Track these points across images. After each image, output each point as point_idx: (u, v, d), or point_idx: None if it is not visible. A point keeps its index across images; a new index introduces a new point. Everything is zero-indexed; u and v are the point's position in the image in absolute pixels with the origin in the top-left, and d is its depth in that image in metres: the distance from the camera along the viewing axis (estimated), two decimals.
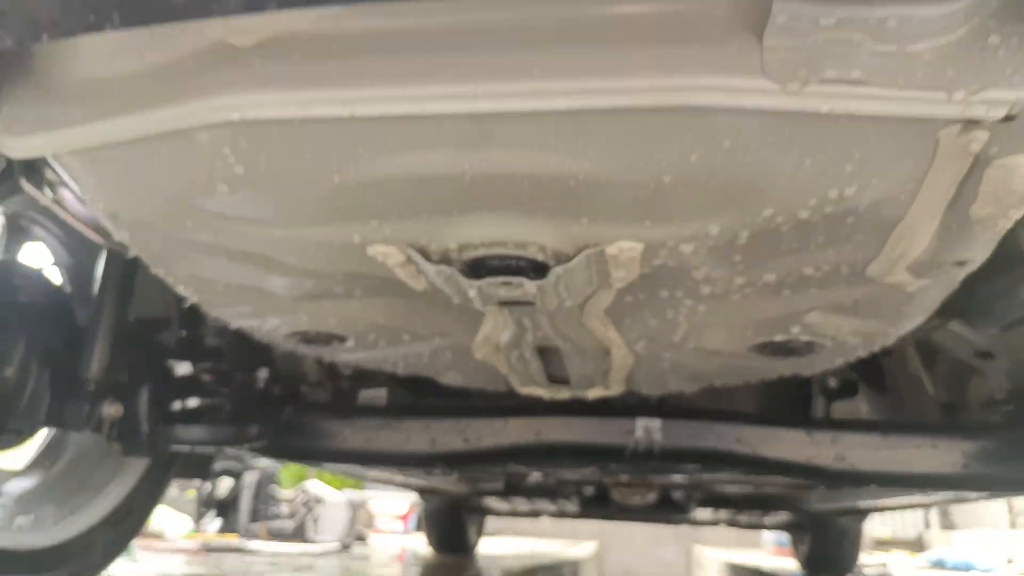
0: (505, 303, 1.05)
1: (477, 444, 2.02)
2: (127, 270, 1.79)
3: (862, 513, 4.46)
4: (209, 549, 4.89)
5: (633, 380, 1.71)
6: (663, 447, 1.93)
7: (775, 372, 1.52)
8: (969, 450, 1.82)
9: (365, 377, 2.38)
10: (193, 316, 1.94)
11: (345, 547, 6.31)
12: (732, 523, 6.79)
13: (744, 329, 1.19)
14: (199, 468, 2.57)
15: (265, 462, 8.37)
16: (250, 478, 7.32)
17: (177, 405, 1.83)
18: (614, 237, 0.84)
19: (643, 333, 1.29)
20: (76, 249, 2.01)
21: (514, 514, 6.92)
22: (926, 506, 3.66)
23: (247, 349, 2.00)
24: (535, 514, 7.05)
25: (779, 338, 1.21)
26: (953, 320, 1.73)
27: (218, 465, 7.46)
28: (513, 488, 4.96)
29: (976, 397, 2.25)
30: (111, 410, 1.69)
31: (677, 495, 4.93)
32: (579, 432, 1.97)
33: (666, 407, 2.00)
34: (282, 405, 2.09)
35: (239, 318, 1.35)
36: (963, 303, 1.52)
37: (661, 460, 1.99)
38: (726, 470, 2.04)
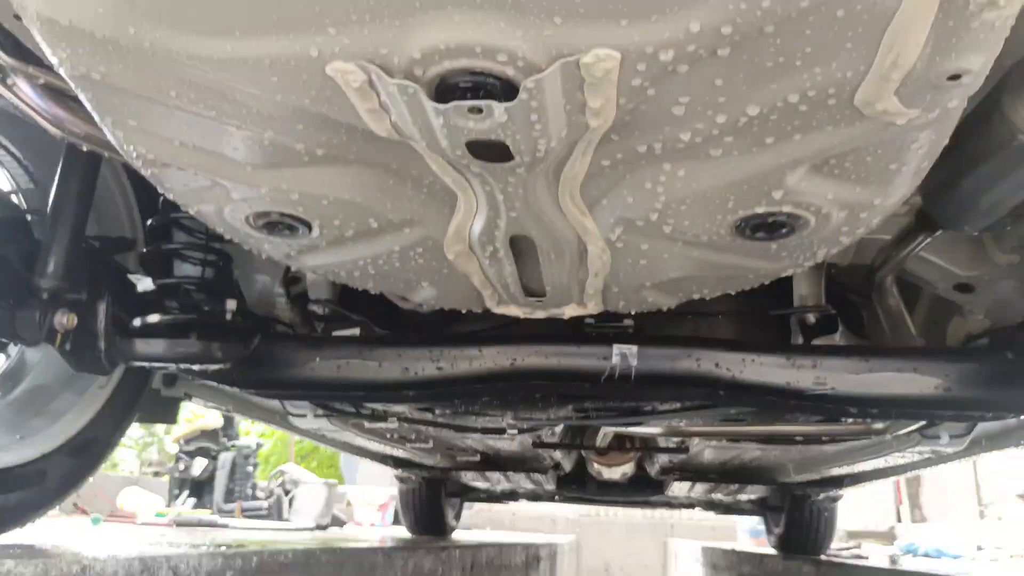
0: (474, 150, 0.99)
1: (451, 371, 1.97)
2: (85, 180, 1.71)
3: (836, 485, 4.45)
4: (179, 524, 4.78)
5: (609, 294, 1.66)
6: (640, 372, 1.88)
7: (757, 273, 1.48)
8: (951, 372, 1.79)
9: (338, 318, 2.32)
10: (158, 232, 1.87)
11: (321, 528, 6.22)
12: (708, 505, 6.78)
13: (725, 199, 1.15)
14: (165, 411, 2.49)
15: (241, 442, 8.31)
16: (225, 458, 7.20)
17: (138, 322, 1.76)
18: (589, 42, 0.78)
19: (620, 215, 1.25)
20: (33, 167, 1.93)
21: (491, 498, 6.86)
22: (903, 470, 3.65)
23: (215, 273, 1.94)
24: (512, 495, 7.00)
25: (761, 209, 1.17)
26: (936, 232, 1.70)
27: (193, 444, 7.37)
28: (491, 461, 4.90)
29: (955, 337, 2.23)
30: (64, 320, 1.61)
31: (654, 470, 4.90)
32: (555, 359, 1.93)
33: (643, 337, 1.96)
34: (250, 335, 2.02)
35: (198, 199, 1.29)
36: (946, 204, 1.50)
37: (638, 387, 1.95)
38: (703, 398, 2.00)
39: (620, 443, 4.27)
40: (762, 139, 1.00)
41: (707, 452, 4.04)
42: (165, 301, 1.82)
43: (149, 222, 1.85)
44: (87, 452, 1.97)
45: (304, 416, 3.06)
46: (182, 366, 1.84)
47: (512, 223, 1.30)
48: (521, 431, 3.14)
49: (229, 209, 1.29)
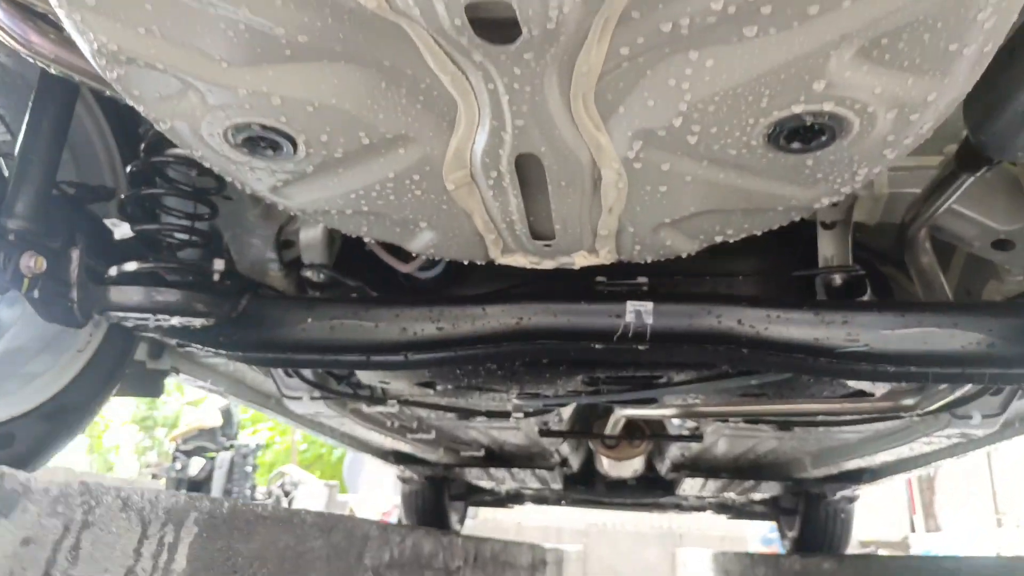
0: (476, 24, 0.87)
1: (452, 331, 1.83)
2: (58, 118, 1.59)
3: (855, 481, 4.28)
4: None
5: (624, 238, 1.53)
6: (656, 330, 1.75)
7: (787, 203, 1.34)
8: (995, 327, 1.65)
9: (333, 285, 2.19)
10: (139, 178, 1.75)
11: None
12: (720, 507, 6.59)
13: (759, 96, 1.02)
14: (150, 385, 2.36)
15: (240, 441, 8.15)
16: (223, 458, 7.06)
17: (114, 270, 1.63)
18: None
19: (638, 126, 1.12)
20: (10, 117, 1.82)
21: (496, 502, 6.70)
22: (927, 461, 3.48)
23: (200, 222, 1.82)
24: (518, 498, 6.83)
25: (799, 108, 1.03)
26: (977, 172, 1.57)
27: (191, 444, 7.21)
28: (495, 457, 4.75)
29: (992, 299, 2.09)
30: (31, 263, 1.49)
31: (664, 467, 4.74)
32: (564, 317, 1.79)
33: (659, 294, 1.82)
34: (238, 295, 1.89)
35: (171, 110, 1.16)
36: (998, 127, 1.36)
37: (653, 348, 1.82)
38: (724, 360, 1.85)
39: (630, 434, 4.12)
40: (804, 8, 0.87)
41: (720, 444, 3.89)
42: (145, 250, 1.69)
43: (129, 168, 1.73)
44: (61, 419, 1.83)
45: (299, 399, 2.94)
46: (163, 322, 1.71)
47: (518, 137, 1.17)
48: (527, 415, 3.00)
49: (206, 122, 1.17)
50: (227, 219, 2.11)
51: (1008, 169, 1.88)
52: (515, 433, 3.83)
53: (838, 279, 1.99)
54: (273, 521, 1.26)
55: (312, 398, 2.95)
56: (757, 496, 5.33)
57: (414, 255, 2.12)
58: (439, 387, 2.44)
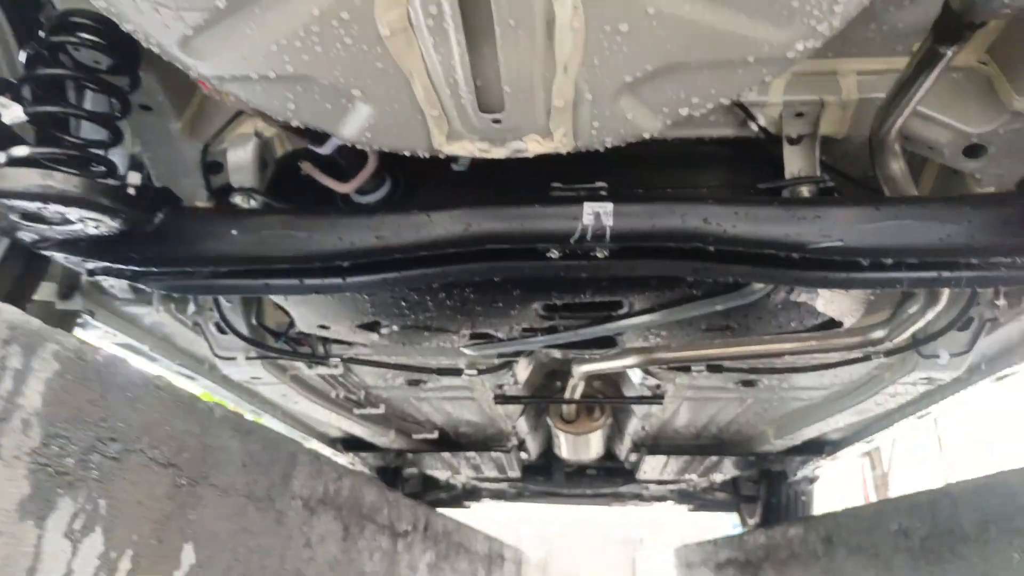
0: None
1: (394, 240, 1.66)
2: None
3: (817, 452, 4.20)
4: None
5: (581, 114, 1.39)
6: (617, 232, 1.61)
7: (759, 52, 1.22)
8: (975, 218, 1.55)
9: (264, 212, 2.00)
10: (36, 60, 1.55)
11: None
12: (681, 496, 6.49)
13: None
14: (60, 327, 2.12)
15: None
16: None
17: (1, 157, 1.43)
18: None
19: None
20: None
21: (452, 501, 6.47)
22: (891, 422, 3.41)
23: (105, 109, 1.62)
24: (475, 494, 6.62)
25: None
26: (952, 47, 1.47)
27: None
28: (450, 441, 4.55)
29: None
30: None
31: (624, 449, 4.60)
32: (517, 222, 1.64)
33: (619, 195, 1.69)
34: (155, 205, 1.70)
35: None
36: None
37: (613, 257, 1.68)
38: (690, 268, 1.72)
39: (589, 409, 3.97)
40: None
41: (682, 413, 3.77)
42: (42, 137, 1.49)
43: (24, 52, 1.53)
44: None
45: (234, 359, 2.72)
46: (65, 228, 1.51)
47: None
48: (480, 372, 2.83)
49: None
50: (146, 134, 1.91)
51: (980, 70, 1.81)
52: (470, 406, 3.65)
53: (806, 191, 1.88)
54: (170, 396, 1.06)
55: (248, 358, 2.73)
56: (719, 477, 5.23)
57: (352, 176, 1.95)
58: (384, 329, 2.25)
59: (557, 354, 3.08)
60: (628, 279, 1.91)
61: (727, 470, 4.92)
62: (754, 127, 1.89)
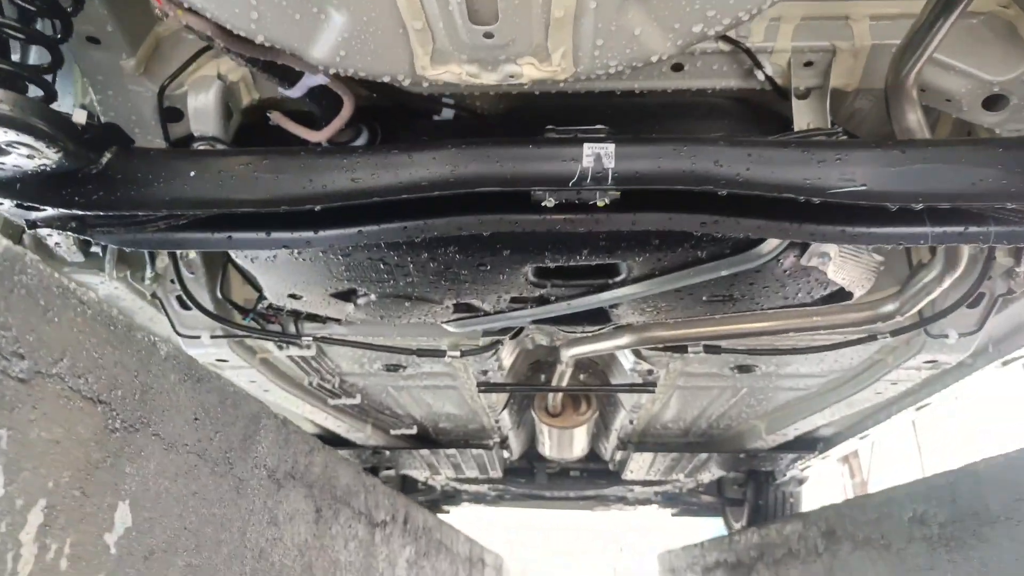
0: None
1: (370, 183, 1.49)
2: None
3: (810, 449, 4.07)
4: None
5: (582, 33, 1.24)
6: (619, 175, 1.45)
7: None
8: (1007, 161, 1.42)
9: None
10: None
11: None
12: (666, 499, 6.33)
13: None
14: None
15: None
16: None
17: None
18: None
19: None
20: None
21: (430, 503, 6.26)
22: (888, 414, 3.29)
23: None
24: (454, 497, 6.41)
25: None
26: None
27: None
28: (429, 438, 4.36)
29: None
30: None
31: (609, 448, 4.44)
32: (508, 163, 1.48)
33: (621, 136, 1.53)
34: (102, 143, 1.52)
35: None
36: None
37: (615, 205, 1.52)
38: (696, 222, 1.56)
39: (575, 402, 3.81)
40: None
41: (672, 405, 3.62)
42: None
43: None
44: None
45: (198, 338, 2.52)
46: None
47: None
48: (464, 353, 2.66)
49: None
50: (94, 72, 1.74)
51: (1001, 14, 1.69)
52: (452, 396, 3.47)
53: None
54: (99, 318, 0.88)
55: (213, 337, 2.54)
56: (707, 477, 5.08)
57: (326, 124, 1.78)
58: (360, 299, 2.08)
59: (544, 340, 2.92)
60: (628, 239, 1.75)
61: (715, 470, 4.77)
62: (760, 76, 1.76)
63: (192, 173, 1.51)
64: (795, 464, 4.44)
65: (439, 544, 3.39)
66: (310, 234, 1.63)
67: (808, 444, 4.07)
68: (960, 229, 1.55)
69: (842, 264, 1.92)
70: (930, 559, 1.95)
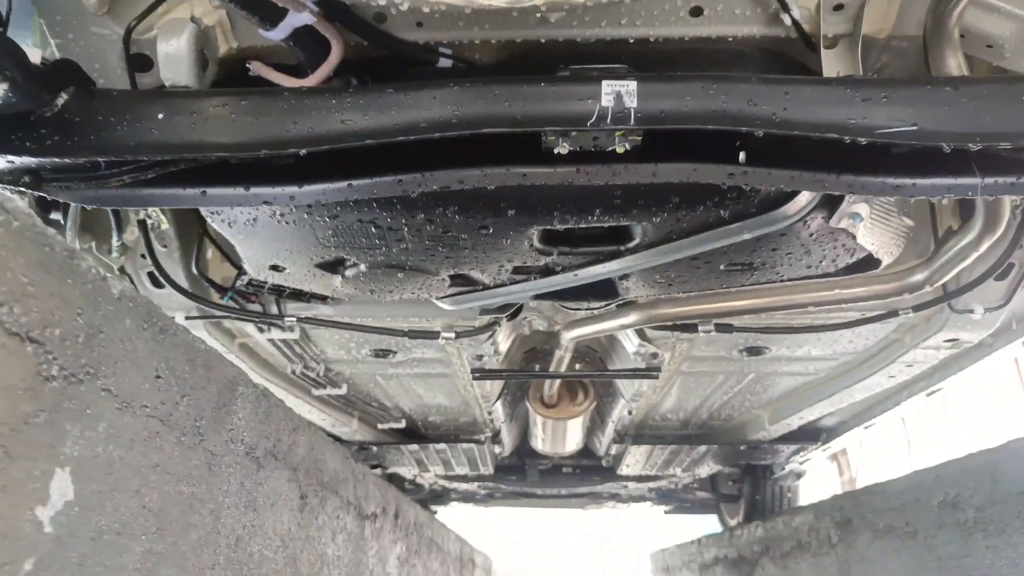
0: None
1: (360, 126, 1.33)
2: None
3: (813, 439, 3.94)
4: None
5: None
6: (642, 115, 1.30)
7: None
8: None
9: None
10: None
11: None
12: (661, 496, 6.19)
13: None
14: None
15: None
16: None
17: None
18: None
19: None
20: None
21: (418, 503, 6.08)
22: (898, 400, 3.16)
23: None
24: (443, 496, 6.23)
25: None
26: None
27: None
28: (418, 432, 4.19)
29: None
30: None
31: (605, 442, 4.30)
32: (518, 103, 1.32)
33: (643, 74, 1.38)
34: (58, 85, 1.34)
35: None
36: None
37: (635, 157, 1.37)
38: (724, 173, 1.41)
39: (572, 393, 3.65)
40: None
41: (673, 394, 3.47)
42: None
43: None
44: None
45: (171, 320, 2.34)
46: None
47: None
48: (459, 335, 2.49)
49: None
50: (53, 13, 1.56)
51: None
52: (444, 386, 3.30)
53: None
54: (25, 233, 0.71)
55: (188, 318, 2.36)
56: (704, 471, 4.94)
57: (311, 72, 1.62)
58: (348, 271, 1.91)
59: (542, 325, 2.76)
60: (645, 196, 1.60)
61: (712, 464, 4.63)
62: (787, 20, 1.61)
63: (160, 115, 1.34)
64: (795, 457, 4.31)
65: (431, 542, 3.22)
66: (294, 188, 1.46)
67: (811, 435, 3.94)
68: (1012, 179, 1.42)
69: (872, 227, 1.78)
70: (964, 546, 1.81)
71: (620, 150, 1.37)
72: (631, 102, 1.31)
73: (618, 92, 1.31)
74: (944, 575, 1.87)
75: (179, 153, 1.32)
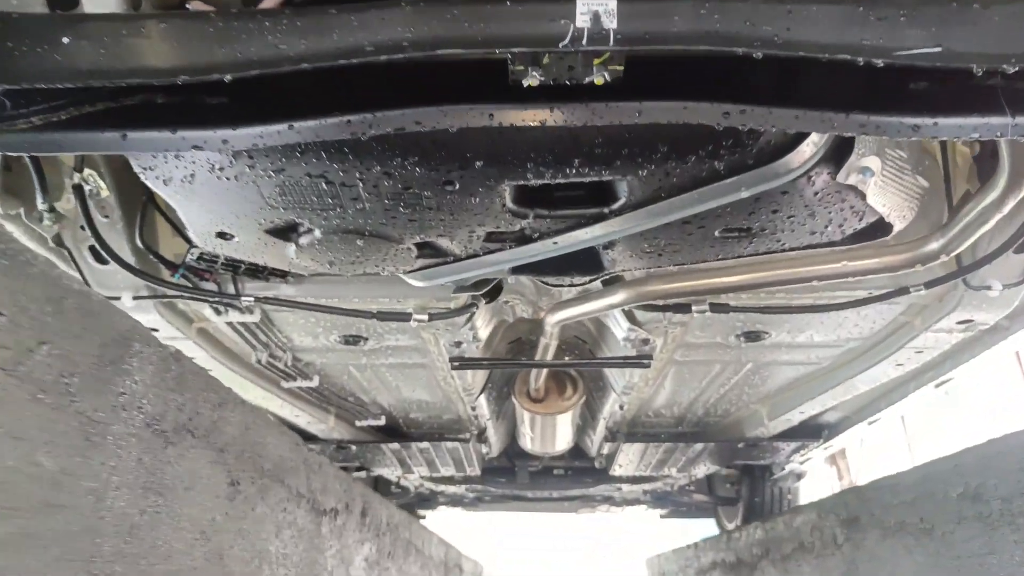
0: None
1: (301, 49, 1.15)
2: None
3: (814, 436, 3.76)
4: None
5: None
6: (624, 35, 1.12)
7: None
8: None
9: None
10: None
11: None
12: (655, 499, 5.99)
13: None
14: None
15: None
16: None
17: None
18: None
19: None
20: None
21: (404, 507, 5.88)
22: (908, 389, 2.98)
23: None
24: (430, 500, 6.02)
25: None
26: None
27: None
28: (399, 431, 4.00)
29: None
30: None
31: (596, 441, 4.11)
32: (481, 23, 1.14)
33: None
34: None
35: None
36: None
37: (616, 93, 1.20)
38: (718, 112, 1.23)
39: (560, 386, 3.47)
40: None
41: (666, 387, 3.28)
42: None
43: None
44: None
45: (118, 299, 2.15)
46: None
47: None
48: (432, 317, 2.30)
49: None
50: None
51: None
52: (422, 377, 3.11)
53: None
54: None
55: (136, 298, 2.17)
56: (701, 471, 4.74)
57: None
58: (303, 238, 1.72)
59: (526, 312, 2.57)
60: (630, 143, 1.42)
61: (709, 464, 4.44)
62: None
63: (66, 39, 1.16)
64: (795, 455, 4.12)
65: (408, 544, 3.02)
66: (228, 131, 1.28)
67: (812, 431, 3.76)
68: None
69: (883, 186, 1.60)
70: (988, 542, 1.63)
71: (599, 81, 1.19)
72: (610, 23, 1.13)
73: (595, 12, 1.13)
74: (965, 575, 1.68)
75: (86, 80, 1.14)
